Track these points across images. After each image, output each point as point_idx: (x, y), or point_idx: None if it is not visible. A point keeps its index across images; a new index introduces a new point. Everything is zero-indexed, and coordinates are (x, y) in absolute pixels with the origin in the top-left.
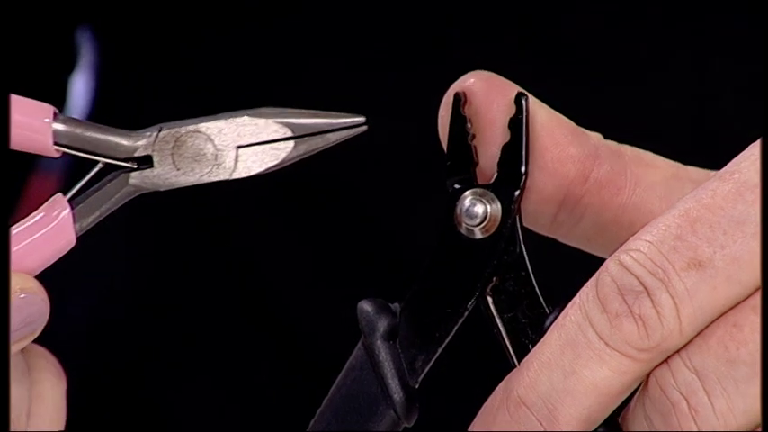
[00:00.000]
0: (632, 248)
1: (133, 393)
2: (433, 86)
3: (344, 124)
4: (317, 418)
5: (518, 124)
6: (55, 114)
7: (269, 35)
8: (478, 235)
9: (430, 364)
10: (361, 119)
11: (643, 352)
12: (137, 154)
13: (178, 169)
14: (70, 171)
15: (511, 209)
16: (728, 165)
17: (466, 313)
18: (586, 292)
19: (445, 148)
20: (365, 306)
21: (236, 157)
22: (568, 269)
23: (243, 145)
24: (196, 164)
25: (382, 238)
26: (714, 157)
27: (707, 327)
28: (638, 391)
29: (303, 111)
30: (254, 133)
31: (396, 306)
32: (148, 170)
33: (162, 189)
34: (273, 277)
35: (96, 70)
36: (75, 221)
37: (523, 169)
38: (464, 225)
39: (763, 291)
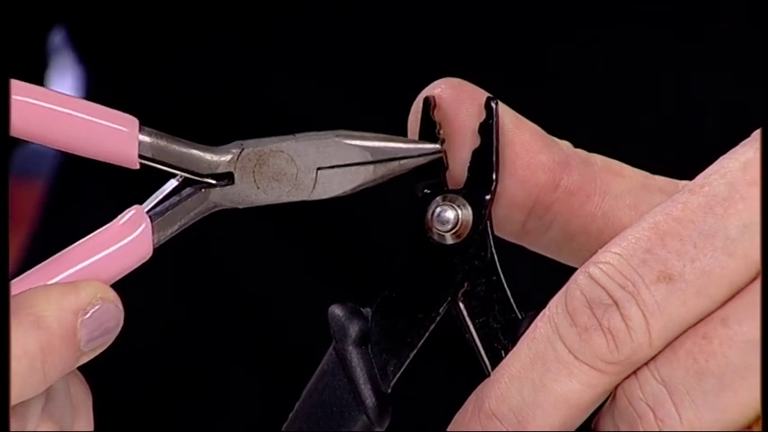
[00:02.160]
0: (601, 261)
1: (121, 402)
2: (406, 92)
3: (423, 151)
4: (289, 423)
5: (488, 129)
6: (140, 126)
7: (251, 44)
8: (449, 240)
9: (402, 369)
10: (438, 146)
11: (612, 365)
12: (219, 170)
13: (258, 188)
14: (55, 180)
15: (482, 214)
16: (698, 177)
17: (438, 318)
18: (556, 305)
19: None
20: (336, 311)
21: (316, 178)
22: (540, 274)
23: (323, 167)
24: (276, 183)
25: (352, 242)
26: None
27: (676, 339)
28: (607, 402)
29: (382, 135)
30: (335, 155)
31: (367, 311)
32: (229, 187)
33: (241, 207)
34: (248, 280)
35: (74, 75)
36: (153, 234)
37: (494, 175)
38: (435, 230)
39: (762, 294)
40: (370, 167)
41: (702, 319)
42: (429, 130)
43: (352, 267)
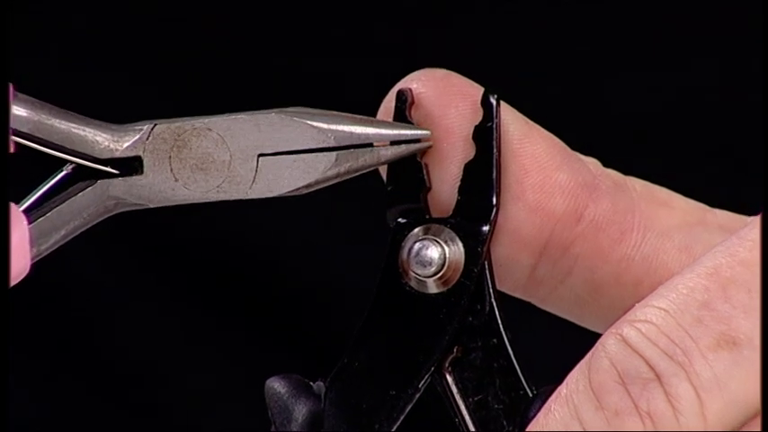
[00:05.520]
0: (640, 319)
1: None
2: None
3: (404, 136)
4: None
5: (486, 134)
6: (14, 93)
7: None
8: (433, 288)
9: None
10: (426, 132)
11: None
12: (121, 155)
13: (176, 180)
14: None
15: (478, 252)
16: None
17: (417, 396)
18: (576, 380)
19: (384, 168)
20: (276, 385)
21: (257, 168)
22: (557, 334)
23: (267, 153)
24: (201, 174)
25: (299, 293)
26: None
27: (740, 427)
28: None
29: (349, 115)
30: (284, 138)
31: (319, 385)
32: (136, 178)
33: (153, 205)
34: (139, 340)
35: None
36: (32, 243)
37: (494, 198)
38: (413, 274)
39: (762, 297)
40: (332, 156)
41: None
42: None
43: (297, 325)
